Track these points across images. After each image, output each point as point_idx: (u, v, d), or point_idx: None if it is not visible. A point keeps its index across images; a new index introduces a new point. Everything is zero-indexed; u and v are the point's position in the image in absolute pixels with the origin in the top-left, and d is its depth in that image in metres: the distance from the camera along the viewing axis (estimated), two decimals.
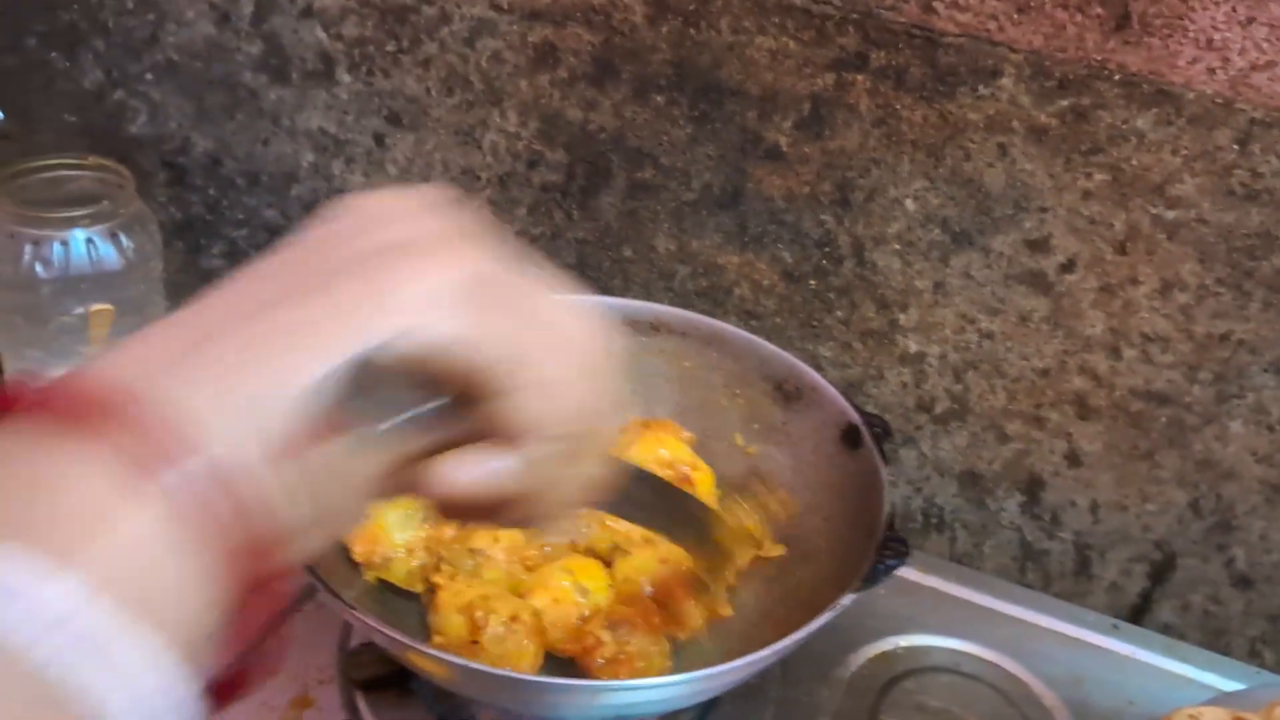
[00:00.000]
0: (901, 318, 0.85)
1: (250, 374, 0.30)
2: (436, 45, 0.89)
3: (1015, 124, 0.75)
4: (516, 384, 0.33)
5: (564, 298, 0.36)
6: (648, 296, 0.89)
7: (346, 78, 0.93)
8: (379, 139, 0.94)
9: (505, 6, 0.85)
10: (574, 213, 0.90)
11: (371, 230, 0.33)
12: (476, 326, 0.32)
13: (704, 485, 0.71)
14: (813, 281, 0.86)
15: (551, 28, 0.85)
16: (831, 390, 0.72)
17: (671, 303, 0.83)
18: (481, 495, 0.34)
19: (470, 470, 0.34)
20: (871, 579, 0.59)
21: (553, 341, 0.34)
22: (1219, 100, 0.70)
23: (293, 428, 0.30)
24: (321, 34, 0.92)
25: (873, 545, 0.61)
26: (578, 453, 0.36)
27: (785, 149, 0.82)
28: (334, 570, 0.59)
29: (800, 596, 0.64)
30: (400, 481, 0.34)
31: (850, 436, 0.70)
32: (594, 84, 0.85)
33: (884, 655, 0.73)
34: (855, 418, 0.70)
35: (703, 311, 0.81)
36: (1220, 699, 0.66)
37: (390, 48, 0.90)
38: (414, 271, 0.32)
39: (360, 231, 0.33)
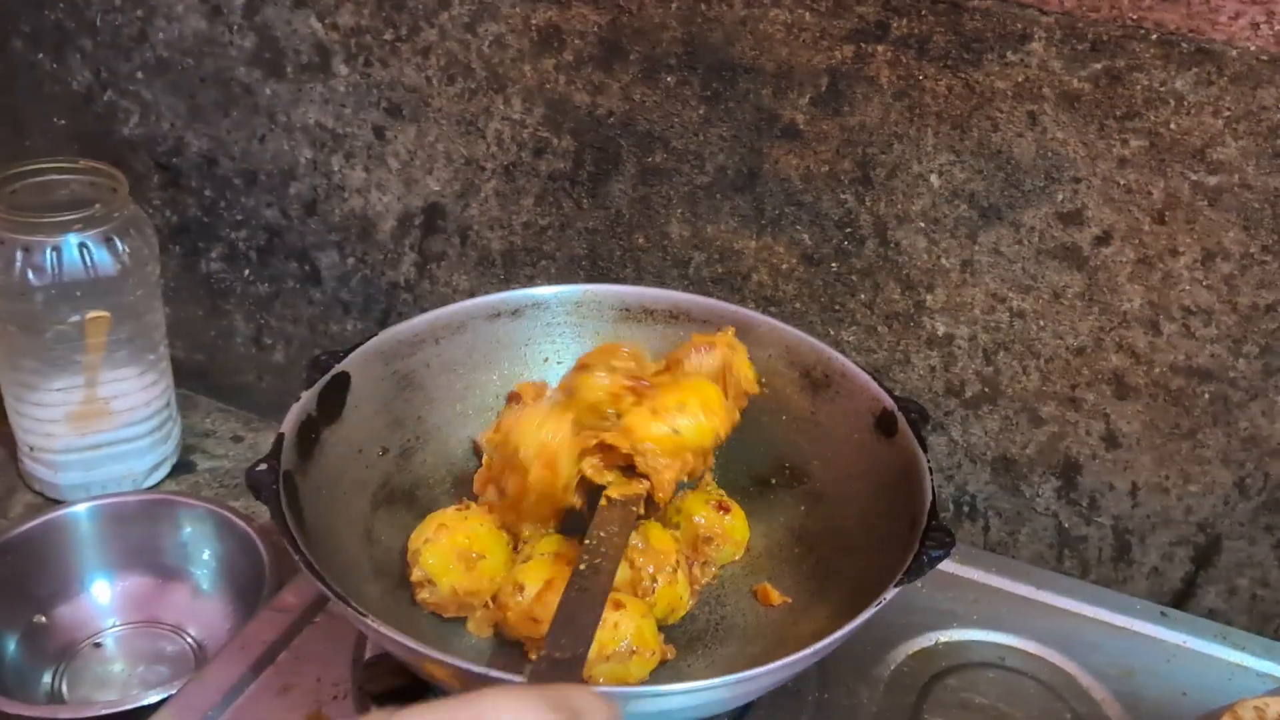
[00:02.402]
0: (928, 299, 0.81)
1: None
2: (436, 32, 0.86)
3: (1046, 91, 0.72)
4: None
5: None
6: (661, 285, 0.86)
7: (343, 69, 0.90)
8: (379, 132, 0.91)
9: None
10: (583, 201, 0.87)
11: None
12: None
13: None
14: (834, 264, 0.83)
15: (556, 9, 0.82)
16: (863, 375, 0.69)
17: (686, 291, 0.80)
18: None
19: None
20: (916, 571, 0.55)
21: None
22: (1264, 57, 0.66)
23: None
24: (316, 24, 0.89)
25: (915, 536, 0.57)
26: None
27: (802, 127, 0.79)
28: (348, 582, 0.56)
29: (840, 593, 0.61)
30: None
31: (885, 423, 0.67)
32: (601, 66, 0.82)
33: (924, 652, 0.70)
34: (890, 404, 0.67)
35: (720, 299, 0.78)
36: None
37: (388, 36, 0.87)
38: None
39: None
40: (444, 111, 0.88)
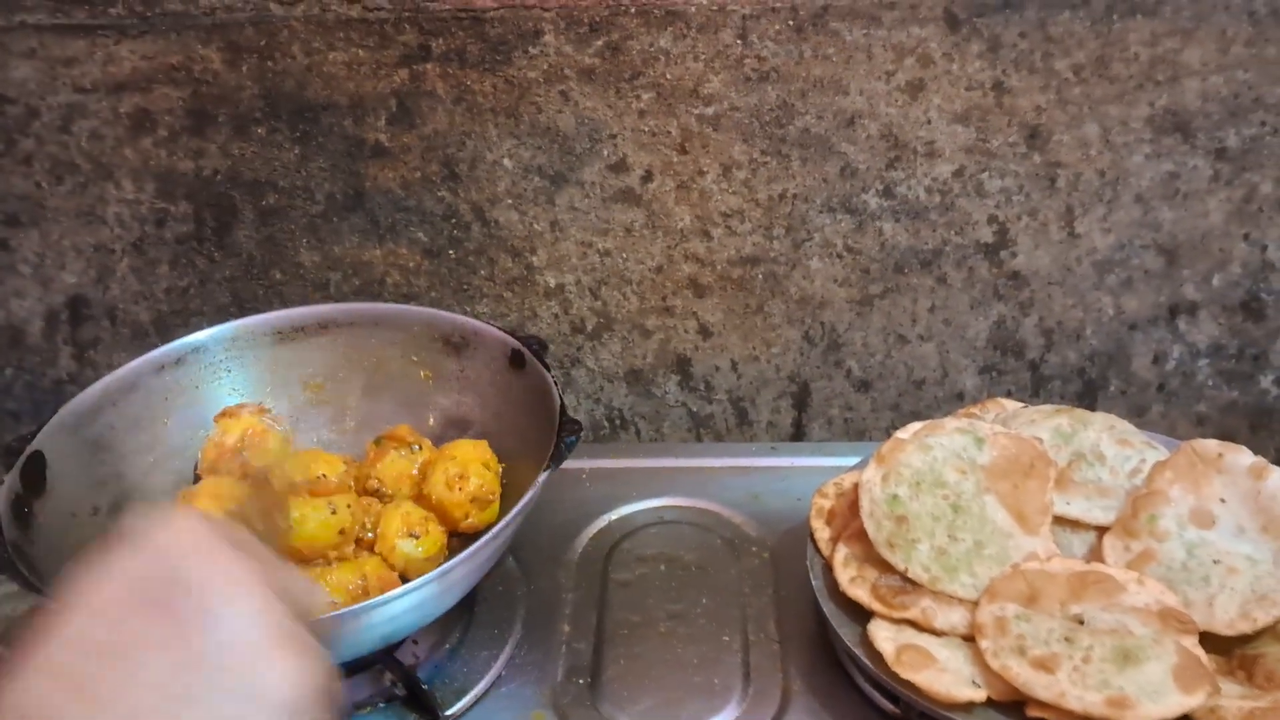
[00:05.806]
0: (534, 260, 0.97)
1: None
2: (32, 140, 0.92)
3: (567, 71, 0.88)
4: None
5: None
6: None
7: None
8: (2, 244, 0.96)
9: (89, 86, 0.90)
10: (215, 254, 0.96)
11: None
12: None
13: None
14: (451, 252, 0.97)
15: (139, 94, 0.90)
16: (490, 329, 0.83)
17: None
18: None
19: None
20: (559, 456, 0.70)
21: None
22: (714, 8, 0.86)
23: None
24: None
25: (554, 433, 0.72)
26: None
27: (387, 144, 0.92)
28: None
29: (513, 500, 0.74)
30: None
31: (516, 360, 0.81)
32: (195, 134, 0.92)
33: (601, 531, 0.86)
34: (515, 344, 0.81)
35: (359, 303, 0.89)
36: (855, 467, 0.83)
37: None
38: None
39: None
40: (61, 209, 0.95)
